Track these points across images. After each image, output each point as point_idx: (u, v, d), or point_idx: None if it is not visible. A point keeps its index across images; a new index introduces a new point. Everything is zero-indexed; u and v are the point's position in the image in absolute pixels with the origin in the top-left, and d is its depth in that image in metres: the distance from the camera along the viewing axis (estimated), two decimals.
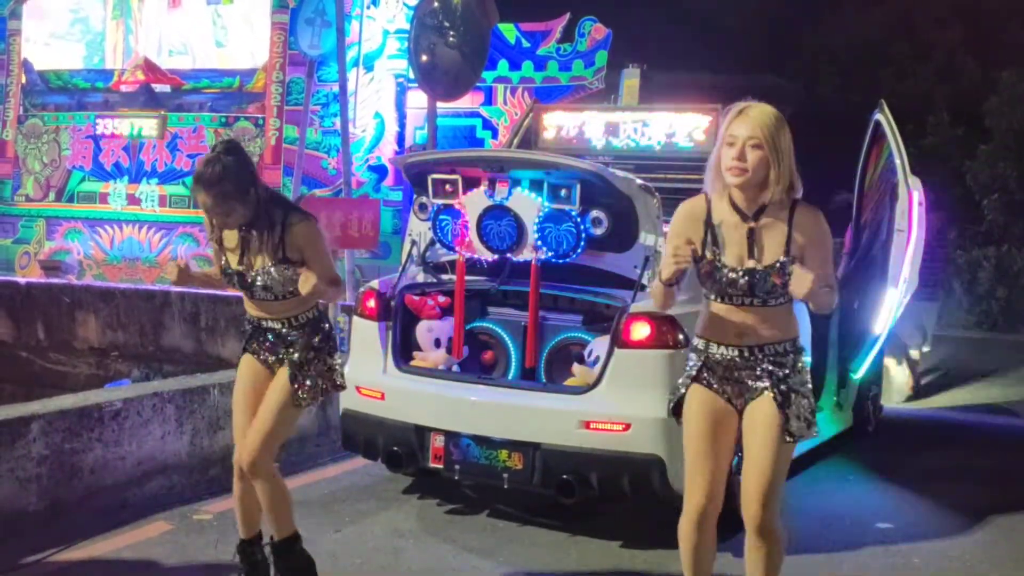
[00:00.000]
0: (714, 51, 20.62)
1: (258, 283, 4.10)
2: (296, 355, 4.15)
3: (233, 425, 4.31)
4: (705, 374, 3.61)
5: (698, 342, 3.65)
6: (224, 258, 4.18)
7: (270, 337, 4.21)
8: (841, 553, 5.31)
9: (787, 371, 3.54)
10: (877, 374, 8.11)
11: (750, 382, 3.56)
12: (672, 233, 3.64)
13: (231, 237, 4.13)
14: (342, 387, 4.34)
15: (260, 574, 4.36)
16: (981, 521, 5.90)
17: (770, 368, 3.53)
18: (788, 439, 3.52)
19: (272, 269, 4.05)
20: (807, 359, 3.66)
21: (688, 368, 3.68)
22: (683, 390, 3.66)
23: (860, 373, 7.39)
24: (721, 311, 3.56)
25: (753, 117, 3.44)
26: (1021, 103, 19.15)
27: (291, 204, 4.29)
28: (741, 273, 3.48)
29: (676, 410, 3.71)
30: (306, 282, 3.91)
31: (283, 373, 4.18)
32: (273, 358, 4.22)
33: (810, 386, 3.61)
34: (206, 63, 13.63)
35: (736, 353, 3.54)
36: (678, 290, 3.60)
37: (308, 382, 4.15)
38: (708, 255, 3.52)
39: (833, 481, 6.74)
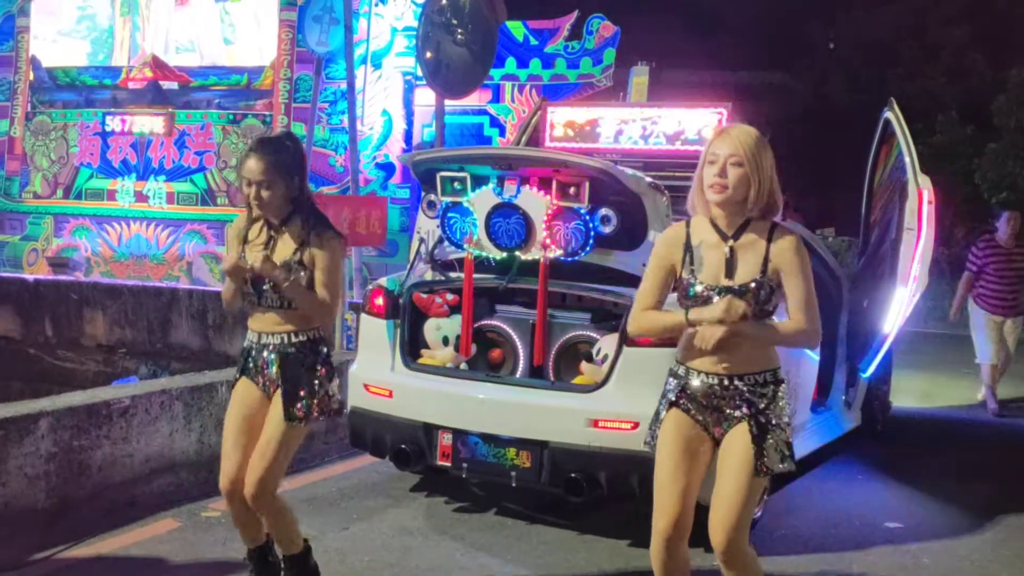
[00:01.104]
0: (723, 49, 20.61)
1: (270, 286, 4.01)
2: (290, 372, 4.05)
3: (222, 451, 4.17)
4: (683, 400, 3.59)
5: (678, 368, 3.63)
6: (243, 255, 4.09)
7: (268, 356, 4.08)
8: (850, 552, 5.30)
9: (766, 403, 3.51)
10: (886, 373, 8.09)
11: (728, 410, 3.53)
12: (653, 259, 3.66)
13: (260, 233, 4.09)
14: (338, 412, 4.23)
15: (271, 573, 4.34)
16: (990, 520, 5.89)
17: (749, 398, 3.51)
18: (763, 473, 3.50)
19: (287, 264, 3.97)
20: (785, 389, 3.61)
21: (667, 391, 3.65)
22: (663, 414, 3.64)
23: (869, 372, 7.37)
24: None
25: (734, 136, 3.48)
26: None
27: (327, 220, 4.18)
28: (716, 291, 3.48)
29: (655, 433, 3.68)
30: (297, 284, 3.90)
31: (277, 400, 4.07)
32: (269, 381, 4.10)
33: (788, 419, 3.57)
34: (214, 60, 13.63)
35: (716, 382, 3.53)
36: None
37: (300, 403, 4.04)
38: (685, 274, 3.54)
39: (842, 480, 6.73)
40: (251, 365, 4.14)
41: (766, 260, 3.48)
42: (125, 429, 5.46)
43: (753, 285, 3.46)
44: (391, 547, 5.10)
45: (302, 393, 4.05)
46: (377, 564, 4.86)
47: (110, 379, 9.82)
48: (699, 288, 3.50)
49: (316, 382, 4.08)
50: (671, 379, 3.65)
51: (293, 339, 4.08)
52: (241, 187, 4.07)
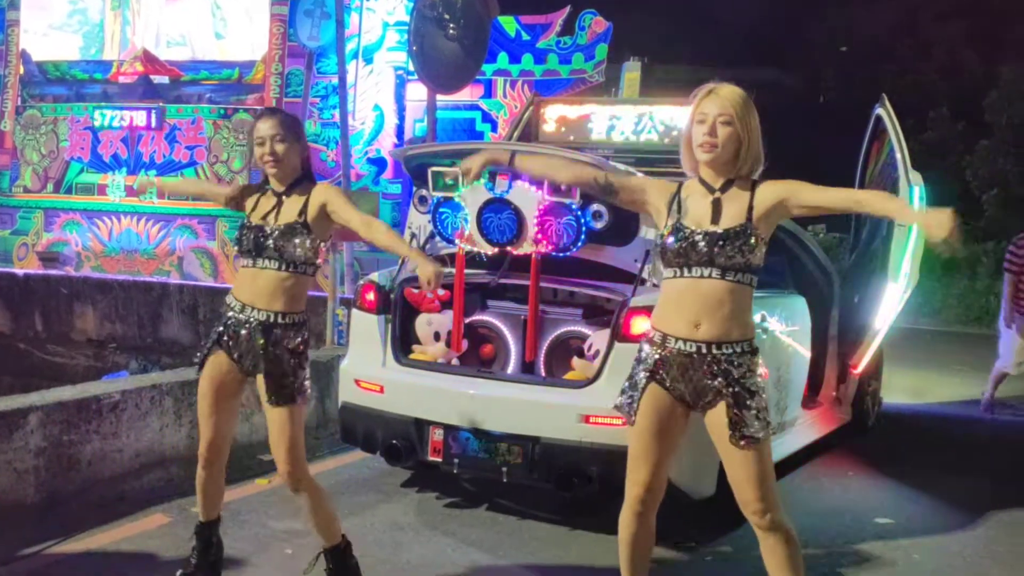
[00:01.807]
0: (716, 45, 20.63)
1: (272, 238, 4.02)
2: (273, 355, 4.04)
3: (199, 420, 4.21)
4: (661, 371, 3.59)
5: (654, 334, 3.62)
6: (249, 215, 4.15)
7: (252, 331, 4.06)
8: (841, 548, 5.30)
9: (742, 372, 3.51)
10: (877, 369, 8.11)
11: (706, 381, 3.53)
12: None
13: (269, 201, 4.13)
14: (304, 402, 4.17)
15: (212, 555, 4.39)
16: (981, 516, 5.90)
17: (726, 368, 3.51)
18: (743, 445, 3.50)
19: (291, 225, 4.02)
20: (759, 359, 3.60)
21: (644, 358, 3.63)
22: (641, 383, 3.61)
23: (860, 368, 7.38)
24: (678, 290, 3.55)
25: (723, 95, 3.52)
26: (1021, 98, 19.16)
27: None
28: (701, 235, 3.50)
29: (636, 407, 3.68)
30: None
31: (262, 384, 4.08)
32: (249, 357, 4.08)
33: (762, 382, 3.57)
34: (205, 55, 13.59)
35: (693, 350, 3.52)
36: None
37: (284, 384, 4.05)
38: (670, 221, 3.58)
39: (832, 476, 6.74)
40: (227, 338, 4.11)
41: (750, 208, 3.51)
42: (115, 424, 5.45)
43: (739, 228, 3.48)
44: (382, 542, 5.09)
45: (286, 376, 4.05)
46: (368, 560, 4.84)
47: (100, 374, 9.79)
48: (685, 231, 3.52)
49: (295, 363, 4.08)
50: (647, 346, 3.64)
51: (279, 320, 4.06)
52: (252, 152, 4.16)
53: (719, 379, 3.52)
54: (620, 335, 5.02)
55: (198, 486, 4.34)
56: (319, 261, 4.16)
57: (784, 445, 6.26)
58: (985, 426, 8.84)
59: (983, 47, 21.66)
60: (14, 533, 4.82)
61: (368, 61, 12.30)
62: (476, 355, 5.80)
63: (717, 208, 3.53)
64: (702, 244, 3.49)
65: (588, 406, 5.01)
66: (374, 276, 5.86)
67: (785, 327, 6.13)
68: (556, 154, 3.75)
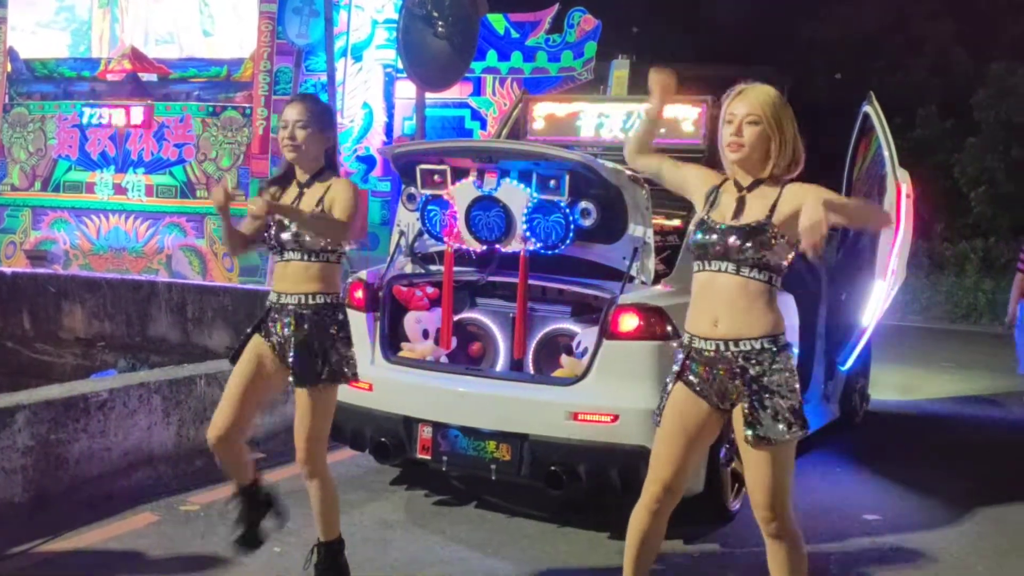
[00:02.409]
0: (705, 42, 20.65)
1: (290, 231, 4.07)
2: (303, 336, 4.09)
3: (224, 394, 4.24)
4: (689, 374, 3.58)
5: (685, 336, 3.65)
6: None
7: (286, 317, 4.12)
8: (828, 544, 5.32)
9: (761, 368, 3.47)
10: (864, 366, 8.13)
11: (727, 381, 3.51)
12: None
13: (291, 193, 4.17)
14: (353, 378, 4.25)
15: (258, 512, 4.41)
16: (968, 513, 5.93)
17: (742, 365, 3.48)
18: (761, 445, 3.46)
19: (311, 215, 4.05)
20: (792, 356, 3.59)
21: (676, 364, 3.65)
22: (670, 386, 3.64)
23: (847, 365, 7.41)
24: (701, 284, 3.56)
25: (751, 96, 3.52)
26: (1009, 96, 19.23)
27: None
28: (720, 229, 3.51)
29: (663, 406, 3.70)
30: (302, 213, 3.99)
31: (291, 362, 4.13)
32: (283, 340, 4.13)
33: (794, 385, 3.50)
34: (193, 52, 13.52)
35: (714, 348, 3.51)
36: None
37: (315, 367, 4.09)
38: (703, 214, 3.59)
39: (820, 473, 6.76)
40: (267, 324, 4.20)
41: (774, 206, 3.48)
42: (103, 423, 5.44)
43: (755, 224, 3.46)
44: (371, 540, 5.09)
45: (315, 358, 4.09)
46: (357, 557, 4.83)
47: (88, 372, 9.76)
48: (708, 224, 3.54)
49: (329, 345, 4.12)
50: (678, 351, 3.66)
51: (310, 301, 4.12)
52: (280, 139, 4.17)
53: (737, 378, 3.50)
54: (608, 333, 5.02)
55: (223, 464, 4.35)
56: (341, 248, 4.20)
57: None
58: (972, 423, 8.88)
59: (972, 45, 21.72)
60: (2, 532, 4.82)
61: (357, 59, 12.27)
62: (465, 353, 5.81)
63: (741, 204, 3.53)
64: (718, 237, 3.49)
65: (577, 403, 5.02)
66: (362, 274, 5.85)
67: None
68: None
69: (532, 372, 5.53)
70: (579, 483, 5.03)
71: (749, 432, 3.47)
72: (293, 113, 4.13)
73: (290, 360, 4.11)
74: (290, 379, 4.13)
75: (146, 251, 13.07)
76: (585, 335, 5.34)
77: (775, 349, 3.49)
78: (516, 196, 5.34)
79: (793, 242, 3.47)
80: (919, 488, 6.43)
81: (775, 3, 22.99)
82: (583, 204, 5.24)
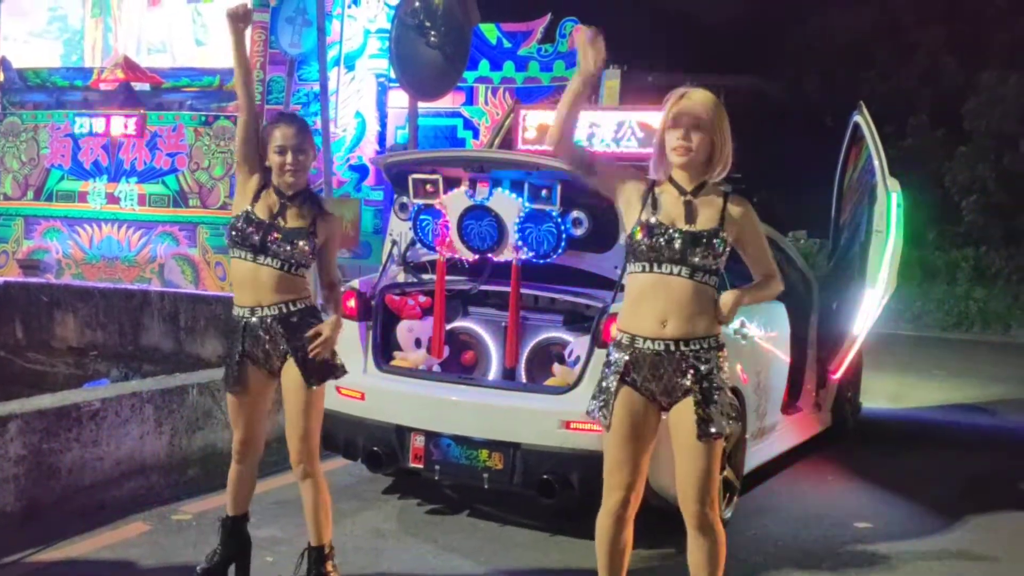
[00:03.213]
0: (696, 52, 20.69)
1: (278, 240, 4.10)
2: (301, 341, 4.15)
3: (232, 416, 4.34)
4: (632, 373, 3.63)
5: (622, 336, 3.65)
6: (251, 207, 4.18)
7: (273, 327, 4.15)
8: (819, 552, 5.34)
9: (711, 367, 3.58)
10: (856, 374, 8.15)
11: (676, 379, 3.58)
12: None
13: (272, 198, 4.18)
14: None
15: (239, 548, 4.45)
16: (959, 521, 5.94)
17: (694, 363, 3.57)
18: (708, 437, 3.56)
19: (302, 232, 4.12)
20: (725, 354, 3.67)
21: (612, 362, 3.66)
22: (612, 387, 3.65)
23: (839, 373, 7.43)
24: (646, 285, 3.58)
25: (696, 100, 3.57)
26: (1000, 105, 19.28)
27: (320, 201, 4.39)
28: (677, 233, 3.54)
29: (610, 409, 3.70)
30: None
31: (290, 367, 4.18)
32: (273, 350, 4.17)
33: (727, 379, 3.65)
34: (186, 62, 13.54)
35: (662, 348, 3.57)
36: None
37: (315, 365, 4.17)
38: (643, 216, 3.60)
39: (812, 481, 6.77)
40: (249, 346, 4.20)
41: (723, 216, 3.58)
42: (95, 432, 5.43)
43: (711, 231, 3.55)
44: (363, 550, 5.10)
45: (313, 358, 4.16)
46: (349, 567, 4.84)
47: (81, 382, 9.74)
48: (662, 227, 3.55)
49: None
50: (614, 351, 3.67)
51: (293, 307, 4.17)
52: (269, 158, 4.16)
53: (689, 375, 3.57)
54: (600, 341, 5.03)
55: (230, 480, 4.42)
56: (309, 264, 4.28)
57: (764, 450, 6.30)
58: (963, 431, 8.90)
59: (963, 54, 21.79)
60: None
61: (350, 68, 12.29)
62: (457, 362, 5.81)
63: (691, 209, 3.58)
64: (677, 241, 3.54)
65: (569, 412, 5.02)
66: (355, 283, 5.86)
67: (764, 333, 6.17)
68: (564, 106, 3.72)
69: (524, 381, 5.54)
70: (572, 492, 5.04)
71: (700, 428, 3.55)
72: (289, 135, 4.13)
73: (293, 366, 4.16)
74: (297, 385, 4.16)
75: (139, 260, 13.05)
76: (577, 344, 5.35)
77: (717, 347, 3.62)
78: (508, 206, 5.36)
79: (729, 250, 3.63)
80: (910, 496, 6.44)
81: (766, 12, 23.06)
82: (575, 214, 5.26)
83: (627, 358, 3.62)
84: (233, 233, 4.19)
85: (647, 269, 3.59)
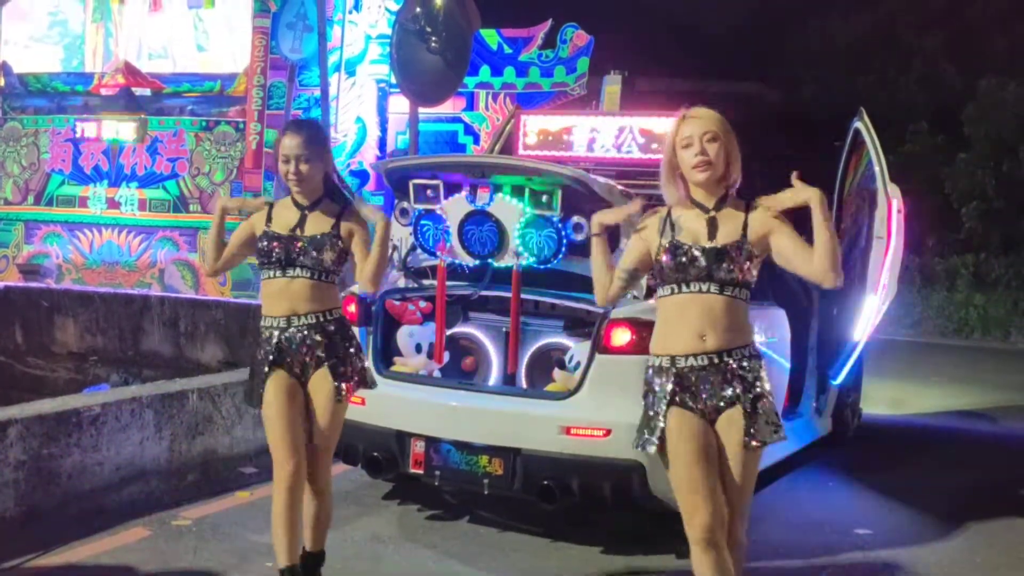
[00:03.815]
0: (696, 58, 20.70)
1: (302, 249, 4.09)
2: (337, 349, 4.15)
3: (275, 443, 4.13)
4: (679, 394, 3.55)
5: (660, 361, 3.58)
6: (269, 226, 4.16)
7: (310, 336, 4.11)
8: (820, 559, 5.33)
9: (755, 375, 3.55)
10: (856, 381, 8.15)
11: (721, 390, 3.53)
12: (633, 237, 3.75)
13: (291, 212, 4.17)
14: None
15: None
16: (960, 527, 5.93)
17: (740, 374, 3.53)
18: (755, 446, 3.54)
19: (324, 237, 4.09)
20: (764, 363, 3.66)
21: (656, 389, 3.58)
22: (662, 422, 3.55)
23: (839, 379, 7.42)
24: (678, 305, 3.55)
25: (702, 116, 3.57)
26: (999, 111, 19.28)
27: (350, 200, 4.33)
28: (700, 250, 3.52)
29: (661, 446, 3.58)
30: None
31: (323, 377, 4.13)
32: (309, 359, 4.13)
33: (771, 390, 3.62)
34: (187, 67, 13.56)
35: (706, 362, 3.52)
36: (611, 266, 3.76)
37: (346, 380, 4.17)
38: (664, 241, 3.57)
39: (812, 487, 6.77)
40: (284, 353, 4.13)
41: (745, 226, 3.54)
42: (95, 437, 5.43)
43: (734, 244, 3.51)
44: (363, 555, 5.09)
45: (347, 370, 4.17)
46: (349, 572, 4.84)
47: (81, 387, 9.74)
48: (684, 247, 3.52)
49: (354, 356, 4.22)
50: (655, 377, 3.59)
51: (330, 316, 4.17)
52: (278, 167, 4.19)
53: (735, 385, 3.53)
54: (601, 347, 5.04)
55: (282, 520, 4.12)
56: (342, 270, 4.27)
57: (764, 456, 6.28)
58: (964, 437, 8.89)
59: (962, 60, 21.79)
60: None
61: (350, 74, 12.31)
62: (458, 367, 5.81)
63: (713, 225, 3.55)
64: (701, 259, 3.50)
65: (569, 417, 5.02)
66: (355, 288, 5.86)
67: (765, 339, 6.16)
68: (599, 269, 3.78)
69: (525, 386, 5.54)
70: (572, 498, 5.03)
71: (747, 437, 3.51)
72: (292, 146, 4.10)
73: (327, 372, 4.13)
74: (327, 391, 4.14)
75: (139, 265, 13.06)
76: (578, 349, 5.35)
77: (758, 356, 3.61)
78: (509, 211, 5.36)
79: (760, 262, 3.58)
80: (911, 502, 6.43)
81: (766, 18, 23.08)
82: (575, 219, 5.25)
83: (671, 381, 3.55)
84: (259, 254, 4.19)
85: (676, 291, 3.55)
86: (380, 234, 4.16)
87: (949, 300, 17.82)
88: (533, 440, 5.07)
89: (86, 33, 14.07)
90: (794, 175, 3.50)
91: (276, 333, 4.13)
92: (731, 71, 20.82)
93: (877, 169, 7.02)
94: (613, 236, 5.22)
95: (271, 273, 4.15)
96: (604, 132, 7.52)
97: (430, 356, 5.66)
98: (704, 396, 3.54)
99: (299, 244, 4.10)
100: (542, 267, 5.37)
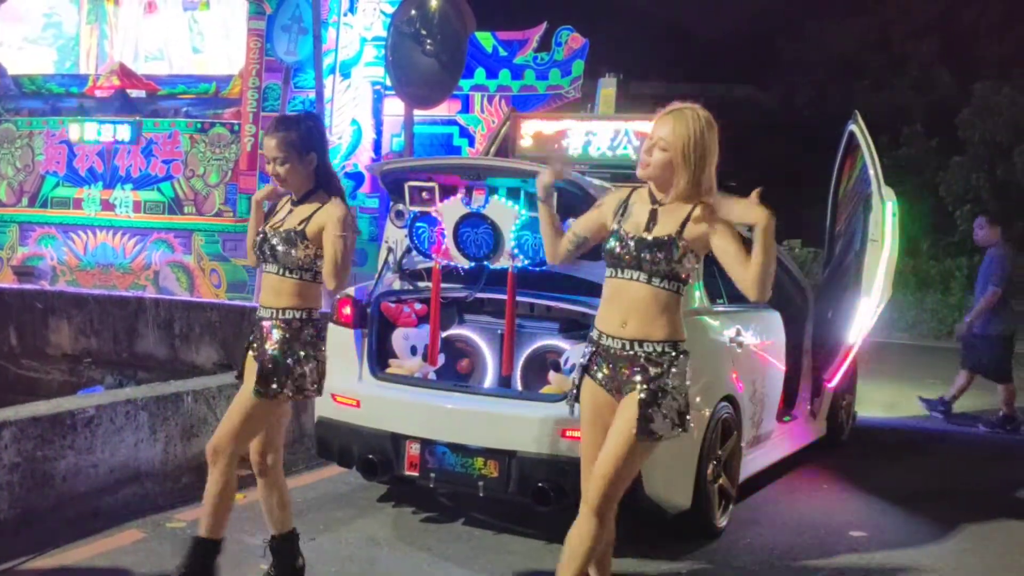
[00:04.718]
0: (691, 62, 20.74)
1: (271, 243, 4.19)
2: (268, 347, 4.18)
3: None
4: (594, 366, 3.81)
5: (593, 332, 3.85)
6: (267, 220, 4.33)
7: (266, 329, 4.23)
8: (815, 561, 5.33)
9: (661, 370, 3.69)
10: (851, 383, 8.16)
11: (627, 374, 3.72)
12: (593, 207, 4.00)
13: (285, 210, 4.29)
14: (309, 395, 4.33)
15: (290, 564, 4.51)
16: (954, 530, 5.94)
17: (644, 365, 3.69)
18: (646, 436, 3.66)
19: (290, 234, 4.16)
20: (688, 363, 3.77)
21: (583, 357, 3.87)
22: (576, 379, 3.89)
23: (834, 382, 7.43)
24: (612, 288, 3.78)
25: (672, 122, 3.68)
26: (993, 115, 19.34)
27: (343, 194, 4.34)
28: (633, 240, 3.68)
29: (577, 398, 3.92)
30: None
31: (253, 371, 4.24)
32: (260, 351, 4.23)
33: (685, 388, 3.74)
34: (182, 69, 13.56)
35: (619, 345, 3.72)
36: (559, 232, 4.00)
37: (272, 380, 4.16)
38: (613, 224, 3.79)
39: (807, 489, 6.77)
40: (255, 342, 4.30)
41: (684, 222, 3.67)
42: (90, 439, 5.42)
43: (666, 239, 3.65)
44: (358, 558, 5.09)
45: (277, 370, 4.16)
46: (344, 575, 4.84)
47: (75, 389, 9.73)
48: (620, 234, 3.72)
49: (292, 361, 4.18)
50: (587, 346, 3.86)
51: (281, 316, 4.22)
52: (269, 171, 4.29)
53: (637, 374, 3.70)
54: None
55: (262, 500, 4.45)
56: (316, 267, 4.26)
57: (759, 458, 6.30)
58: (958, 440, 8.91)
59: (956, 64, 21.85)
60: None
61: (346, 76, 12.30)
62: (453, 369, 5.81)
63: (653, 217, 3.73)
64: (632, 248, 3.68)
65: (565, 420, 5.00)
66: (351, 290, 5.86)
67: (760, 341, 6.17)
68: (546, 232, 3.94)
69: (520, 388, 5.54)
70: (567, 500, 5.03)
71: (639, 425, 3.64)
72: (269, 148, 4.21)
73: (256, 369, 4.19)
74: (248, 384, 4.21)
75: (133, 267, 13.04)
76: (573, 351, 5.35)
77: (674, 354, 3.72)
78: (504, 213, 5.36)
79: (699, 256, 3.72)
80: (905, 504, 6.45)
81: (761, 23, 23.13)
82: (571, 221, 5.24)
83: (592, 351, 3.82)
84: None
85: (613, 275, 3.78)
86: (335, 232, 4.16)
87: (943, 303, 17.85)
88: (528, 442, 5.07)
89: (80, 35, 14.06)
90: (754, 192, 3.56)
91: (257, 317, 4.31)
92: (726, 75, 20.86)
93: (872, 172, 7.04)
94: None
95: (262, 265, 4.31)
96: (599, 135, 7.53)
97: (425, 358, 5.66)
98: (611, 374, 3.75)
99: (270, 240, 4.21)
100: (537, 269, 5.38)
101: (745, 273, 3.60)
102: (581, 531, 3.78)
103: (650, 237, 3.68)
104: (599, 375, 3.79)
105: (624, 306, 3.72)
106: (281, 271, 4.21)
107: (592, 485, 3.74)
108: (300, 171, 4.23)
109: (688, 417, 3.77)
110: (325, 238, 4.16)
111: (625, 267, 3.72)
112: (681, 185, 3.66)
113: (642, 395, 3.67)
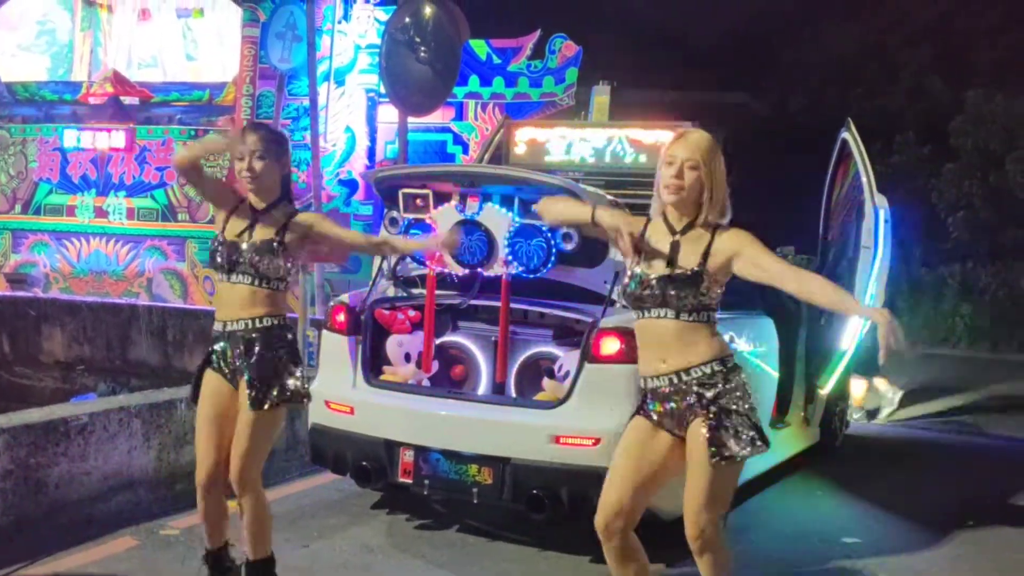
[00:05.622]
0: (685, 69, 20.76)
1: (246, 255, 4.12)
2: (254, 359, 4.12)
3: (196, 445, 4.28)
4: (643, 409, 3.75)
5: (639, 380, 3.79)
6: (223, 229, 4.23)
7: (235, 344, 4.16)
8: (808, 568, 5.34)
9: (717, 390, 3.60)
10: (844, 389, 8.17)
11: (684, 405, 3.63)
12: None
13: (244, 219, 4.20)
14: (298, 402, 4.28)
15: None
16: (947, 536, 5.96)
17: (697, 390, 3.61)
18: (723, 460, 3.57)
19: (267, 243, 4.12)
20: (744, 376, 3.70)
21: (633, 407, 3.86)
22: (627, 420, 3.84)
23: (827, 388, 7.44)
24: (642, 330, 3.71)
25: (692, 140, 3.64)
26: (986, 122, 19.37)
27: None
28: (655, 279, 3.61)
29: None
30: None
31: (244, 388, 4.15)
32: (234, 369, 4.18)
33: (749, 403, 3.65)
34: (176, 76, 13.56)
35: (666, 383, 3.65)
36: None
37: (264, 391, 4.12)
38: (632, 267, 3.70)
39: (800, 496, 6.78)
40: (215, 356, 4.23)
41: (707, 253, 3.60)
42: (83, 446, 5.41)
43: (691, 273, 3.58)
44: (352, 565, 5.08)
45: (266, 381, 4.12)
46: None
47: (68, 396, 9.72)
48: (640, 277, 3.64)
49: (282, 367, 4.16)
50: (638, 394, 3.81)
51: (258, 324, 4.16)
52: (237, 171, 4.21)
53: (692, 400, 3.60)
54: (590, 356, 5.04)
55: (200, 514, 4.35)
56: (289, 278, 4.26)
57: (752, 465, 6.30)
58: (951, 446, 8.93)
59: (949, 72, 21.90)
60: None
61: (340, 83, 12.31)
62: (447, 376, 5.81)
63: (675, 250, 3.64)
64: (656, 288, 3.60)
65: (559, 427, 5.03)
66: (344, 297, 5.86)
67: (753, 348, 6.18)
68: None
69: (514, 395, 5.54)
70: (561, 507, 5.03)
71: (712, 450, 3.56)
72: (251, 143, 4.16)
73: (245, 385, 4.13)
74: (244, 404, 4.13)
75: (127, 274, 13.03)
76: (567, 359, 5.35)
77: (725, 370, 3.64)
78: (498, 220, 5.37)
79: (724, 284, 3.65)
80: (899, 511, 6.45)
81: (755, 29, 23.18)
82: (564, 228, 5.26)
83: (643, 399, 3.76)
84: (210, 257, 4.28)
85: (640, 316, 3.70)
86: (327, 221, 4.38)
87: (936, 310, 17.87)
88: (523, 449, 5.07)
89: (74, 42, 14.05)
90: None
91: (216, 337, 4.24)
92: (719, 82, 20.89)
93: (864, 180, 7.06)
94: (602, 247, 5.25)
95: (217, 276, 4.26)
96: (592, 142, 7.54)
97: (419, 365, 5.66)
98: (667, 415, 3.67)
99: (241, 249, 4.14)
100: (531, 276, 5.38)
101: (799, 287, 3.57)
102: (704, 572, 3.72)
103: (673, 272, 3.60)
104: (655, 416, 3.71)
105: (659, 344, 3.65)
106: (256, 281, 4.15)
107: (689, 521, 3.65)
108: (274, 173, 4.20)
109: (762, 431, 3.68)
110: (322, 227, 4.25)
111: (651, 307, 3.64)
112: (713, 203, 3.60)
113: (710, 420, 3.58)
